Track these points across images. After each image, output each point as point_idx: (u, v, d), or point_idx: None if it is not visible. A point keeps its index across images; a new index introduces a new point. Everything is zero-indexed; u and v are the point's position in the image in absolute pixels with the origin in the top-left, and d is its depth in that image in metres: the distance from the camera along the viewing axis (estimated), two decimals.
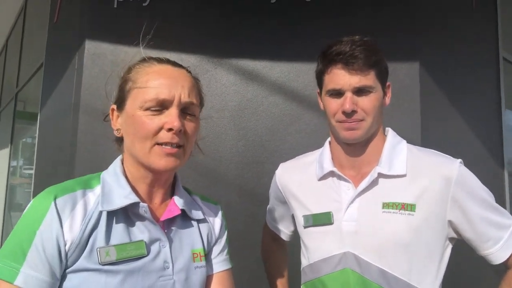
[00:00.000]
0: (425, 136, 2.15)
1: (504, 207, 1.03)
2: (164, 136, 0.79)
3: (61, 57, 2.63)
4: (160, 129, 0.80)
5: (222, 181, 2.17)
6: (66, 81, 2.43)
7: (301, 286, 1.20)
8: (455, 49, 2.47)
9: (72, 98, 2.20)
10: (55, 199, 0.75)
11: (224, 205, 2.13)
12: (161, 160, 0.80)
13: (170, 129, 0.79)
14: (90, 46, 2.15)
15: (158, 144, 0.80)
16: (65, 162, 2.21)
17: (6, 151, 5.33)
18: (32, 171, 3.41)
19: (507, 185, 2.94)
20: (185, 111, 0.83)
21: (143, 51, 0.89)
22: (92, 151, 2.09)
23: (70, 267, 0.74)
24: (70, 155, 2.14)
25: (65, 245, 0.73)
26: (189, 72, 0.88)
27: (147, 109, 0.80)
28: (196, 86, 0.87)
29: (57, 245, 0.72)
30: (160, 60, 0.86)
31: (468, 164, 1.05)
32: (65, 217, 0.74)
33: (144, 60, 0.86)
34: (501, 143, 2.93)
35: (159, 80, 0.81)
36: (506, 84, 2.95)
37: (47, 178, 2.72)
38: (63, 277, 0.74)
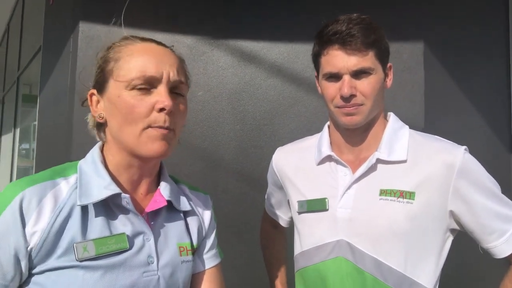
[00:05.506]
0: (429, 121, 2.08)
1: (511, 193, 0.97)
2: (158, 118, 0.73)
3: (57, 39, 2.58)
4: (151, 110, 0.73)
5: (220, 166, 2.13)
6: (62, 64, 2.39)
7: (295, 274, 1.16)
8: (462, 27, 2.37)
9: (68, 81, 2.16)
10: (19, 192, 0.69)
11: (222, 190, 2.14)
12: (153, 143, 0.74)
13: (161, 109, 0.73)
14: (84, 28, 2.10)
15: (151, 127, 0.74)
16: (63, 144, 2.20)
17: (10, 135, 5.37)
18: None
19: None
20: (174, 90, 0.77)
21: (134, 32, 0.83)
22: (88, 133, 2.06)
23: (38, 265, 0.69)
24: (67, 137, 2.12)
25: (27, 246, 0.68)
26: (174, 52, 0.83)
27: (133, 88, 0.74)
28: (182, 65, 0.82)
29: (14, 249, 0.67)
30: (143, 39, 0.80)
31: (474, 149, 0.99)
32: (29, 213, 0.68)
33: (126, 38, 0.80)
34: (509, 126, 2.85)
35: (144, 56, 0.75)
36: None
37: (48, 160, 2.73)
38: (33, 275, 0.70)
